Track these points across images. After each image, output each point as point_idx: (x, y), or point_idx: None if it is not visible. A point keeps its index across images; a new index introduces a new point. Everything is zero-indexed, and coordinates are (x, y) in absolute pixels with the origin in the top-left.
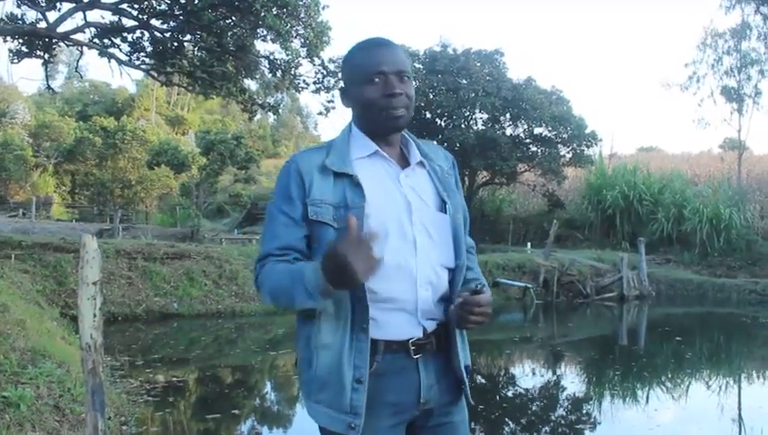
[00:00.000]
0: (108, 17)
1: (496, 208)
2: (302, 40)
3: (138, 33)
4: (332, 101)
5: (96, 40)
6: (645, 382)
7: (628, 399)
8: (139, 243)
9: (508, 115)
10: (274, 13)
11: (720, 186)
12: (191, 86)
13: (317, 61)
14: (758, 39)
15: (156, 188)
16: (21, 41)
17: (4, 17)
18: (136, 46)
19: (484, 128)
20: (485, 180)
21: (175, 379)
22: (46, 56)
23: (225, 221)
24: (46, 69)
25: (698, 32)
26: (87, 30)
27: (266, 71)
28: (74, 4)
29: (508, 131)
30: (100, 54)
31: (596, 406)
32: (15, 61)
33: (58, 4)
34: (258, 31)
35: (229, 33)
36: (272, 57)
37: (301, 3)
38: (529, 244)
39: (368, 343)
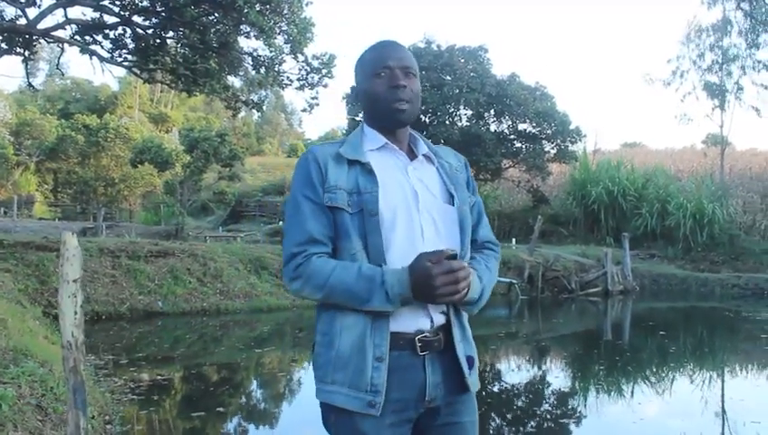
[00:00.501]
0: (89, 14)
1: None
2: (286, 36)
3: (120, 30)
4: (316, 98)
5: (77, 37)
6: (629, 377)
7: (612, 393)
8: (123, 241)
9: (492, 111)
10: (258, 9)
11: (703, 181)
12: (174, 83)
13: (301, 57)
14: (739, 35)
15: (139, 186)
16: (0, 38)
17: None
18: (118, 43)
19: (468, 124)
20: None
21: (160, 377)
22: (27, 53)
23: (209, 219)
24: (27, 66)
25: (682, 27)
26: (68, 27)
27: (250, 67)
28: (55, 1)
29: (492, 128)
30: (81, 51)
31: (581, 400)
32: None
33: (38, 1)
34: (241, 27)
35: (212, 30)
36: (255, 54)
37: None
38: (514, 239)
39: (388, 324)
